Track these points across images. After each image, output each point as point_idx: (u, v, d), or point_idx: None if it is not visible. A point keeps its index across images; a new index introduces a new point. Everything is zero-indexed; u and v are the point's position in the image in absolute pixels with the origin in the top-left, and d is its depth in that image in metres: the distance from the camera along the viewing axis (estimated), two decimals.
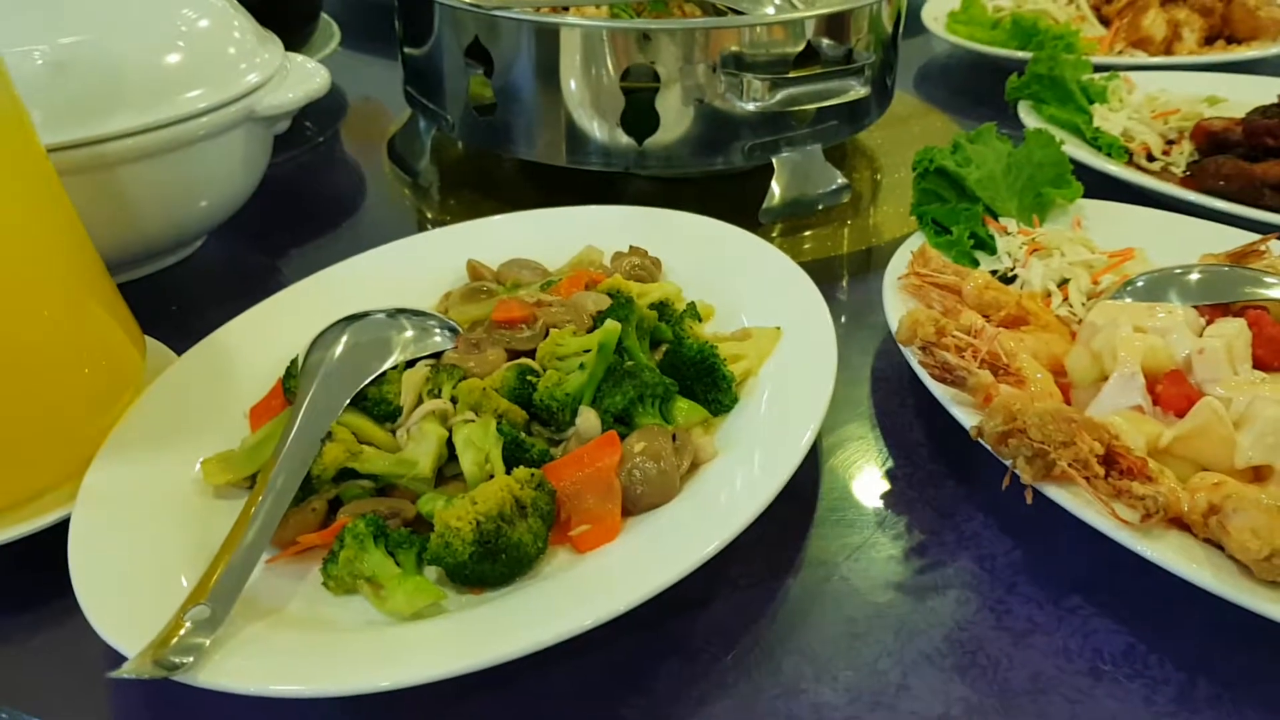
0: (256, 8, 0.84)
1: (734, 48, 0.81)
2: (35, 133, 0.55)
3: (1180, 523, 0.53)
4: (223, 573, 0.48)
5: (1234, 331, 0.61)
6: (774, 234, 0.89)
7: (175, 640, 0.44)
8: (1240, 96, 0.99)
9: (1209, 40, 1.16)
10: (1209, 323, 0.63)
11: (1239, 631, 0.52)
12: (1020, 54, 1.09)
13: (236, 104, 0.73)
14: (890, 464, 0.64)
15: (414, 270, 0.75)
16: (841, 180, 0.89)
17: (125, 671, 0.43)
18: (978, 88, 1.13)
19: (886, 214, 0.92)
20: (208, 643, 0.45)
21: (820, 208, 0.89)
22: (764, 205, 0.87)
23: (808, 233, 0.90)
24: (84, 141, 0.65)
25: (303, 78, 0.79)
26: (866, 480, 0.63)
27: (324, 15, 1.17)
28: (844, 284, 0.84)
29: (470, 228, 0.79)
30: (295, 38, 1.09)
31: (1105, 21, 1.17)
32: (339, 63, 1.16)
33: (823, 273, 0.83)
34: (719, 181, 0.94)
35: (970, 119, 1.11)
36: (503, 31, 0.83)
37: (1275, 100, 0.90)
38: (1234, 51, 1.12)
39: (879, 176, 0.99)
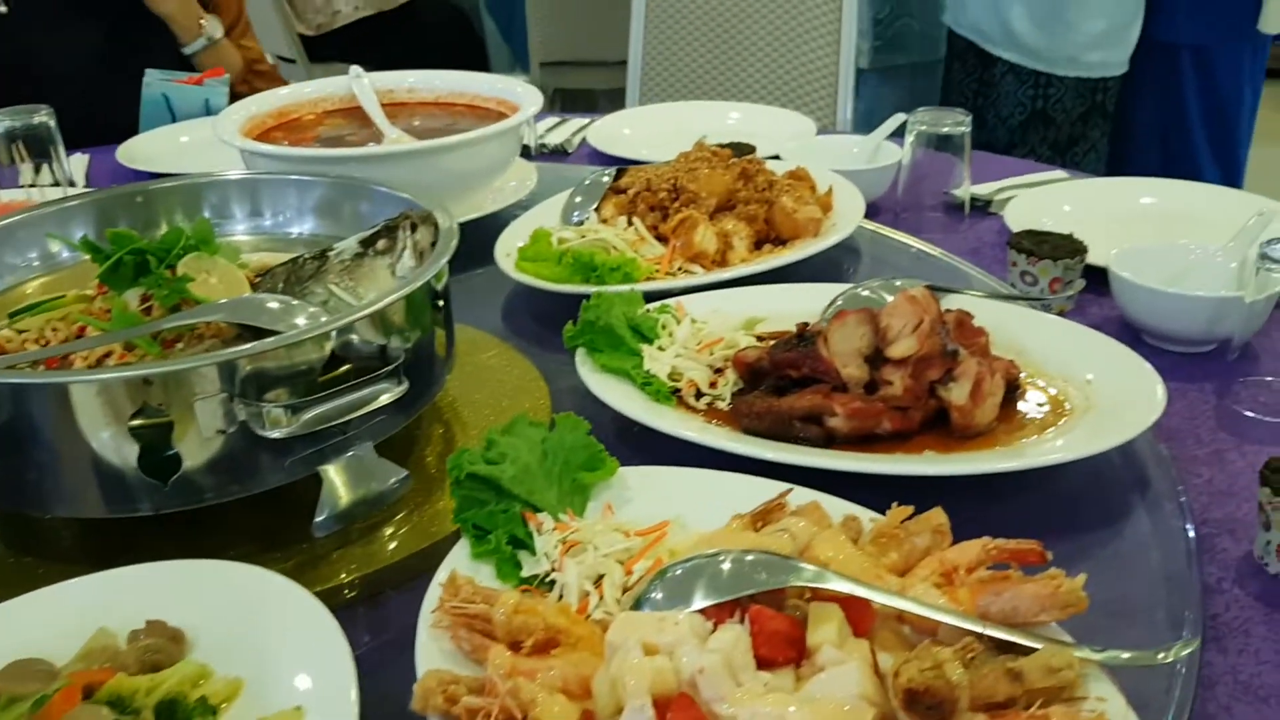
0: None
1: (248, 372, 0.78)
2: None
3: None
4: None
5: (731, 642, 0.62)
6: (346, 540, 0.86)
7: None
8: (785, 308, 1.06)
9: (759, 244, 1.25)
10: (717, 625, 0.65)
11: None
12: (584, 288, 1.12)
13: None
14: None
15: None
16: (401, 473, 0.87)
17: None
18: (554, 319, 1.16)
19: None
20: None
21: (388, 503, 0.87)
22: (317, 517, 0.83)
23: (384, 530, 0.87)
24: None
25: None
26: None
27: None
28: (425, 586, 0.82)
29: None
30: None
31: (664, 239, 1.23)
32: None
33: (409, 568, 0.82)
34: (275, 491, 0.90)
35: (549, 352, 1.12)
36: None
37: (795, 331, 0.96)
38: (779, 254, 1.21)
39: (456, 440, 0.98)
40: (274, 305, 0.88)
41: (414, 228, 0.98)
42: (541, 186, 1.47)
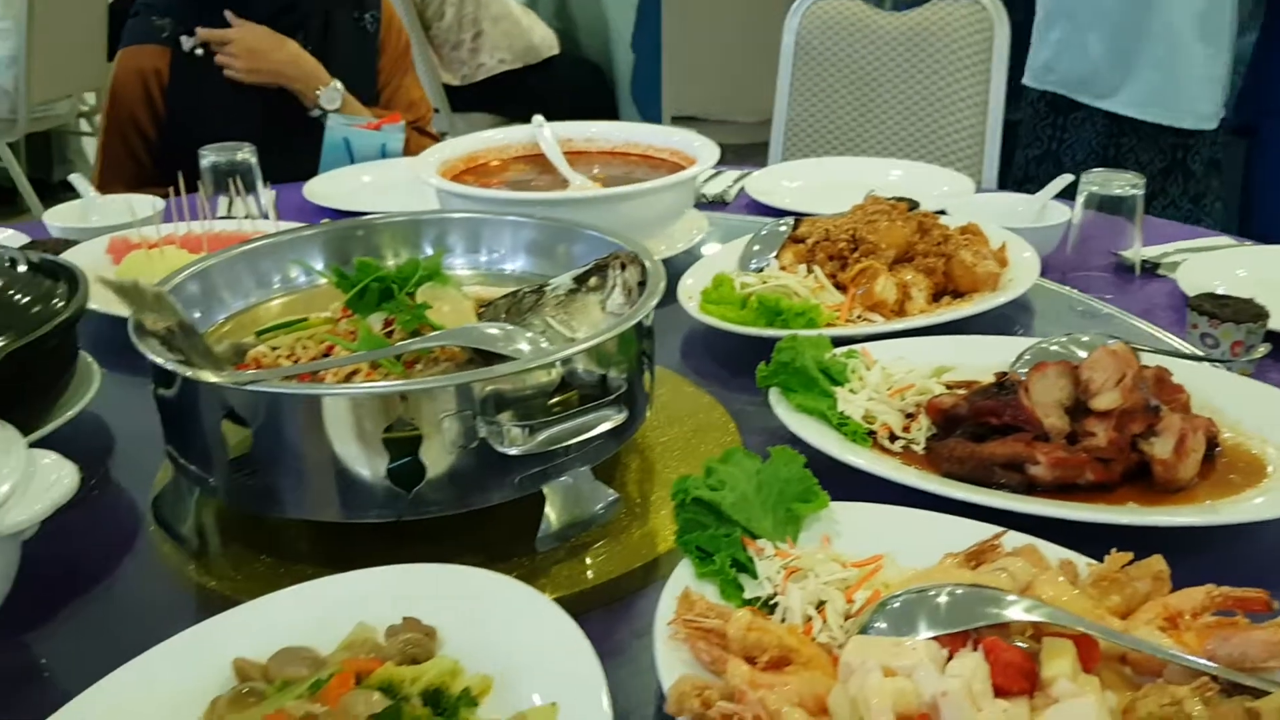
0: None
1: (489, 392, 0.84)
2: None
3: None
4: None
5: (971, 669, 0.65)
6: (556, 559, 0.90)
7: None
8: (969, 360, 1.09)
9: (937, 296, 1.28)
10: (951, 653, 0.67)
11: None
12: (769, 332, 1.16)
13: None
14: None
15: (183, 675, 0.72)
16: (612, 495, 0.92)
17: None
18: (738, 360, 1.20)
19: (662, 521, 0.95)
20: None
21: (597, 525, 0.92)
22: (540, 534, 0.88)
23: (595, 547, 0.92)
24: None
25: (47, 483, 0.76)
26: None
27: (82, 353, 1.14)
28: (628, 599, 0.86)
29: (236, 616, 0.77)
30: (50, 394, 1.06)
31: (842, 288, 1.27)
32: (104, 397, 1.12)
33: (609, 592, 0.87)
34: (491, 511, 0.95)
35: (733, 391, 1.17)
36: (249, 402, 0.84)
37: (994, 380, 0.99)
38: (958, 307, 1.23)
39: (654, 473, 1.03)
40: (502, 333, 0.94)
41: (623, 267, 1.04)
42: (707, 238, 1.53)
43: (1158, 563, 0.75)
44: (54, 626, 0.88)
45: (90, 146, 4.88)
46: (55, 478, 0.77)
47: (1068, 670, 0.66)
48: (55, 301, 1.08)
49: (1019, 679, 0.66)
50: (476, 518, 0.94)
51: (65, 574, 0.93)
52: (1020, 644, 0.70)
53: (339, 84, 2.13)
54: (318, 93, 2.13)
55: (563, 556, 0.92)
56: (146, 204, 1.70)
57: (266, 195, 1.72)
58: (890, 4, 2.93)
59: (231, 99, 2.15)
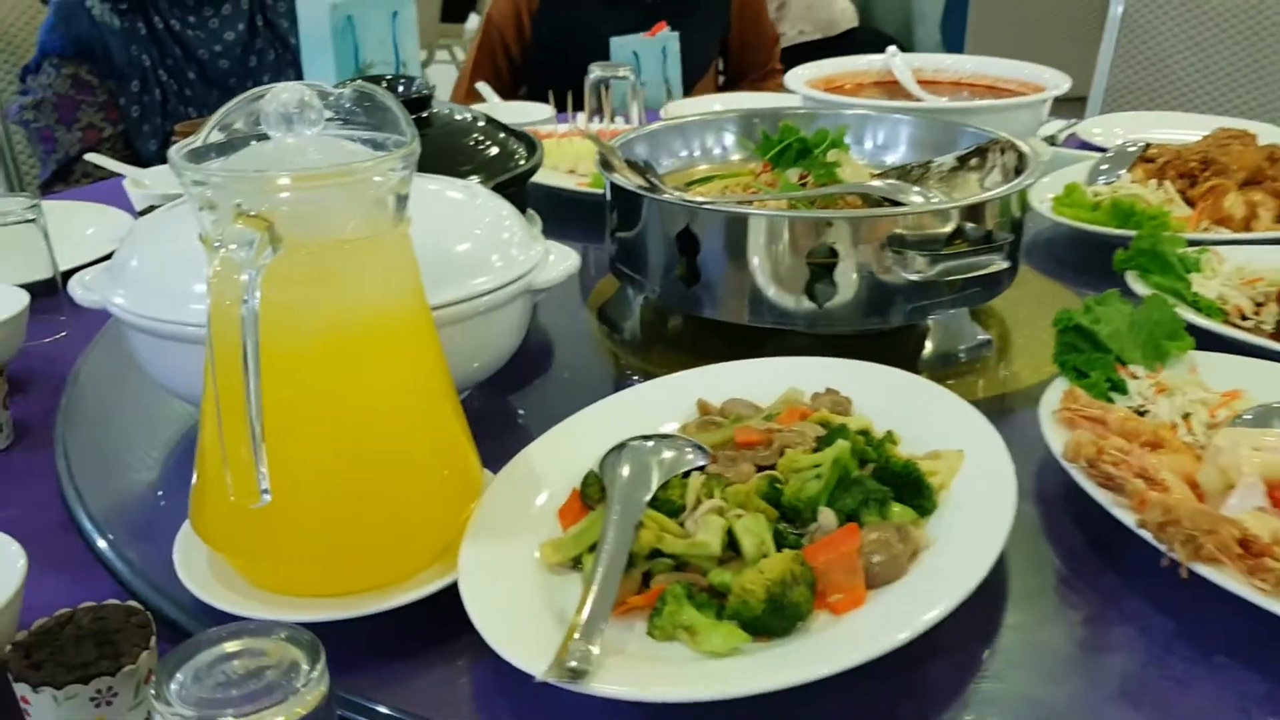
0: None
1: (897, 231, 1.01)
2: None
3: None
4: (588, 616, 0.65)
5: None
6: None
7: (568, 659, 0.62)
8: None
9: None
10: None
11: None
12: (1121, 231, 1.28)
13: (518, 282, 0.94)
14: (1057, 561, 0.80)
15: (653, 409, 0.93)
16: (984, 336, 1.07)
17: (547, 676, 0.60)
18: (1078, 260, 1.32)
19: (1020, 365, 1.10)
20: (593, 659, 0.62)
21: (965, 360, 1.07)
22: (922, 356, 1.05)
23: (951, 381, 1.07)
24: None
25: (561, 259, 1.00)
26: (1041, 571, 0.79)
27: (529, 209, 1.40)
28: (992, 421, 1.01)
29: (688, 376, 0.97)
30: None
31: (1191, 203, 1.36)
32: None
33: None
34: (868, 339, 1.12)
35: (1076, 285, 1.29)
36: (705, 220, 1.04)
37: None
38: None
39: (1010, 335, 1.17)
40: (897, 187, 1.11)
41: (1003, 151, 1.18)
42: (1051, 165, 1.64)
43: None
44: (528, 393, 1.12)
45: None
46: (565, 255, 1.00)
47: None
48: (518, 157, 1.33)
49: None
50: (855, 349, 1.11)
51: (529, 356, 1.17)
52: None
53: None
54: None
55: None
56: (538, 109, 1.98)
57: (637, 108, 1.97)
58: None
59: (589, 26, 2.45)
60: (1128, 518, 0.74)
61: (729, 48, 2.88)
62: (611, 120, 1.92)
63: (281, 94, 0.71)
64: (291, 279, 0.67)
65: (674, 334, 1.20)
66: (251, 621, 0.58)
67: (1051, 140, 1.96)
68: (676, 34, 2.36)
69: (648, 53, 2.34)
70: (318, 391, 0.70)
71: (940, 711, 0.66)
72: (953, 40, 4.80)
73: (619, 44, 2.34)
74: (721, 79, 2.99)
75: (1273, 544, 0.71)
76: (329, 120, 0.73)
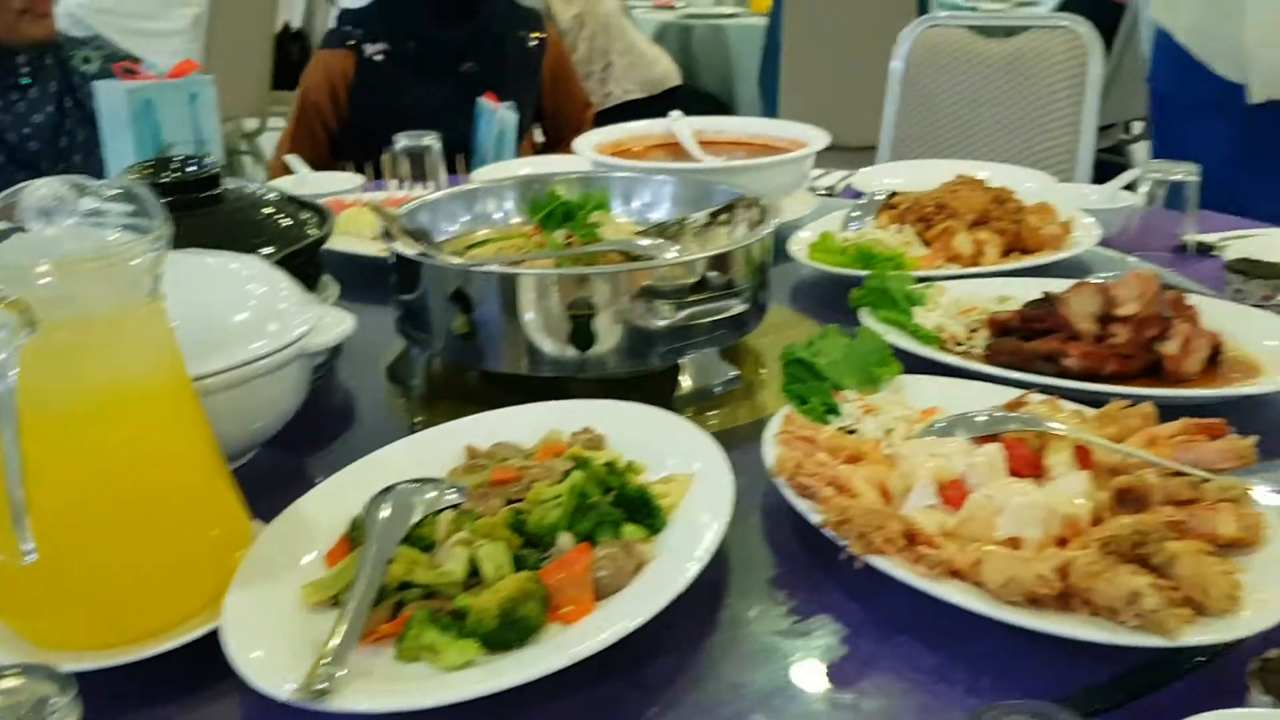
0: None
1: (648, 283, 1.13)
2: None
3: (958, 574, 0.81)
4: (338, 643, 0.73)
5: (992, 452, 0.91)
6: (686, 416, 1.18)
7: (314, 682, 0.69)
8: (1025, 294, 1.34)
9: (1007, 253, 1.53)
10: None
11: (1010, 641, 0.79)
12: (862, 272, 1.43)
13: (292, 346, 1.02)
14: (774, 564, 0.92)
15: (425, 455, 1.02)
16: (734, 372, 1.20)
17: (291, 696, 0.68)
18: (831, 299, 1.47)
19: (767, 396, 1.23)
20: (336, 680, 0.70)
21: (718, 393, 1.19)
22: (675, 394, 1.16)
23: (711, 413, 1.19)
24: (195, 376, 0.93)
25: (335, 322, 1.08)
26: (762, 569, 0.90)
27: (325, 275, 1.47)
28: (739, 446, 1.13)
29: (461, 424, 1.07)
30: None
31: (928, 244, 1.53)
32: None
33: (724, 439, 1.11)
34: (635, 381, 1.23)
35: (827, 323, 1.42)
36: (477, 281, 1.14)
37: (1041, 295, 1.24)
38: (1022, 260, 1.48)
39: (761, 370, 1.30)
40: (654, 244, 1.24)
41: (748, 207, 1.32)
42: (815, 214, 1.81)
43: (1148, 407, 0.99)
44: (319, 451, 1.19)
45: (248, 167, 5.39)
46: (340, 319, 1.09)
47: (1066, 459, 0.91)
48: (308, 228, 1.41)
49: (1028, 468, 0.92)
50: (619, 388, 1.22)
51: (322, 415, 1.24)
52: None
53: None
54: None
55: (691, 415, 1.19)
56: (346, 179, 2.06)
57: (443, 176, 2.07)
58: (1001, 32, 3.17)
59: (403, 97, 2.55)
60: (818, 519, 0.86)
61: (545, 112, 3.01)
62: (415, 187, 2.01)
63: (39, 189, 0.78)
64: (51, 353, 0.74)
65: (465, 388, 1.29)
66: (7, 666, 0.64)
67: (830, 191, 2.14)
68: (516, 115, 2.46)
69: (487, 126, 2.45)
70: (79, 454, 0.76)
71: (657, 699, 0.76)
72: (770, 94, 5.06)
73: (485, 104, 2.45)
74: (541, 141, 3.12)
75: (938, 536, 0.84)
76: (86, 213, 0.80)
